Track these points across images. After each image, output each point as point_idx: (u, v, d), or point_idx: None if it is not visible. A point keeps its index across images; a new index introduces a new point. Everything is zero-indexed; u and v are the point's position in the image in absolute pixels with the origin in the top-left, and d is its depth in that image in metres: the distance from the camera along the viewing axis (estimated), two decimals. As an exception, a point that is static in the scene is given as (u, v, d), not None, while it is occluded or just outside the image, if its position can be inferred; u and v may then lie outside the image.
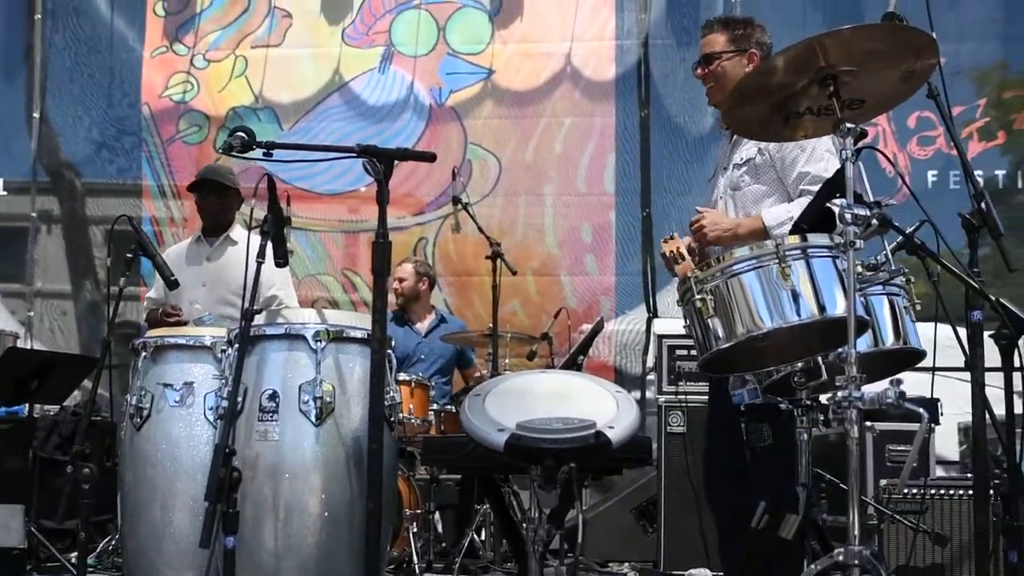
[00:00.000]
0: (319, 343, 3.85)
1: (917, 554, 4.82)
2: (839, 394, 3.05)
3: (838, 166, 3.90)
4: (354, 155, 3.52)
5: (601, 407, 3.50)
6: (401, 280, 7.39)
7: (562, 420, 3.38)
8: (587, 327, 6.73)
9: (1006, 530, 3.42)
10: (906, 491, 5.20)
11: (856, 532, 2.99)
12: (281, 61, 9.08)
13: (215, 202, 5.82)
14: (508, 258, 6.55)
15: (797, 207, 3.96)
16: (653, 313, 8.28)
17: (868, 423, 5.67)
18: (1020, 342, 3.36)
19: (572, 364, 6.35)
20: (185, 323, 5.38)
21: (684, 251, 3.90)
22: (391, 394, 3.91)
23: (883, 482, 5.37)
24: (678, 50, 8.67)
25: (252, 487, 3.72)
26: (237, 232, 5.82)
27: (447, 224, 8.47)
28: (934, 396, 5.54)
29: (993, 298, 3.18)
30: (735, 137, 4.35)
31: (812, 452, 6.06)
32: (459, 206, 6.65)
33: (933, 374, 3.75)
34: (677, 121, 8.58)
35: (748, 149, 4.25)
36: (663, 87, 8.65)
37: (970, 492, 4.65)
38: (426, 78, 8.89)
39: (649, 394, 7.55)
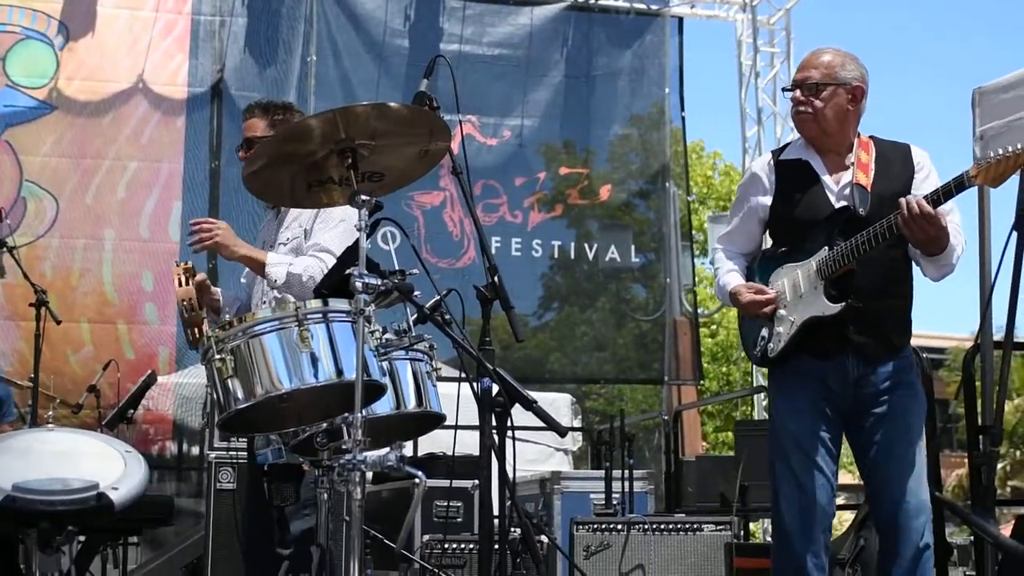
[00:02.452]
0: None
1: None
2: (344, 457, 3.13)
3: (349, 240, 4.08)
4: None
5: (107, 467, 3.41)
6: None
7: (63, 481, 3.25)
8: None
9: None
10: (447, 546, 5.46)
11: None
12: None
13: None
14: (62, 303, 6.28)
15: (300, 261, 4.14)
16: (215, 365, 8.13)
17: (416, 480, 5.85)
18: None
19: (121, 418, 6.15)
20: None
21: (184, 278, 3.90)
22: None
23: (426, 537, 5.56)
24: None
25: None
26: None
27: (-7, 266, 8.00)
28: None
29: (491, 367, 3.37)
30: (280, 214, 4.43)
31: (365, 508, 6.19)
32: (3, 249, 6.29)
33: (455, 432, 3.92)
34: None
35: (293, 229, 4.35)
36: (236, 138, 8.63)
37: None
38: (-21, 109, 8.40)
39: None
